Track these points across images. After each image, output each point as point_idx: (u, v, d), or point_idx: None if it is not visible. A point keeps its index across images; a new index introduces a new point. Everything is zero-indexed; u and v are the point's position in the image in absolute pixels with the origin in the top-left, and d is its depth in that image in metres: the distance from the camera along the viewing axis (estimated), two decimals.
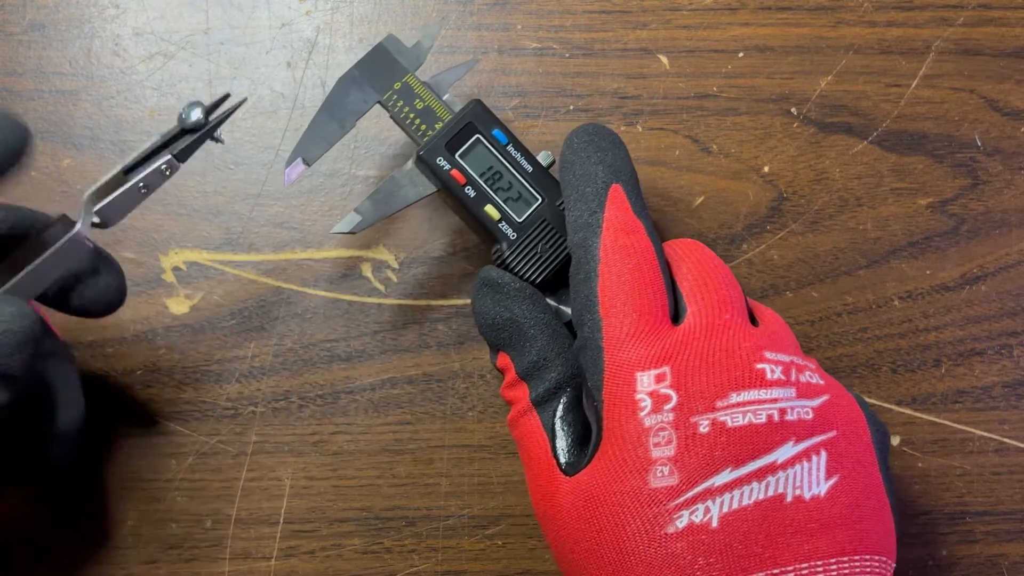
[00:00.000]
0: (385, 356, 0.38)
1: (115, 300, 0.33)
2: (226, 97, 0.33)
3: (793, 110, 0.40)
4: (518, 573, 0.37)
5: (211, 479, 0.37)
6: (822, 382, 0.28)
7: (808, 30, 0.40)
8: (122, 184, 0.31)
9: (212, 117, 0.32)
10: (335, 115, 0.34)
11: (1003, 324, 0.39)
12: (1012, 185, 0.40)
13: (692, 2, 0.41)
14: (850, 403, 0.29)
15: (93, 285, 0.32)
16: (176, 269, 0.38)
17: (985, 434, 0.38)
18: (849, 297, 0.39)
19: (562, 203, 0.33)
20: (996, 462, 0.38)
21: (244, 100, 0.34)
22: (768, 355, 0.28)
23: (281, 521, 0.37)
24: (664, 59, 0.40)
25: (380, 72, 0.35)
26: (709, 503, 0.26)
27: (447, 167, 0.34)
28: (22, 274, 0.29)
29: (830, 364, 0.38)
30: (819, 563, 0.26)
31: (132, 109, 0.39)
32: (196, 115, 0.32)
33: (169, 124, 0.38)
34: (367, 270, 0.39)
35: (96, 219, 0.31)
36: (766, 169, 0.40)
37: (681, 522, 0.26)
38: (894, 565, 0.28)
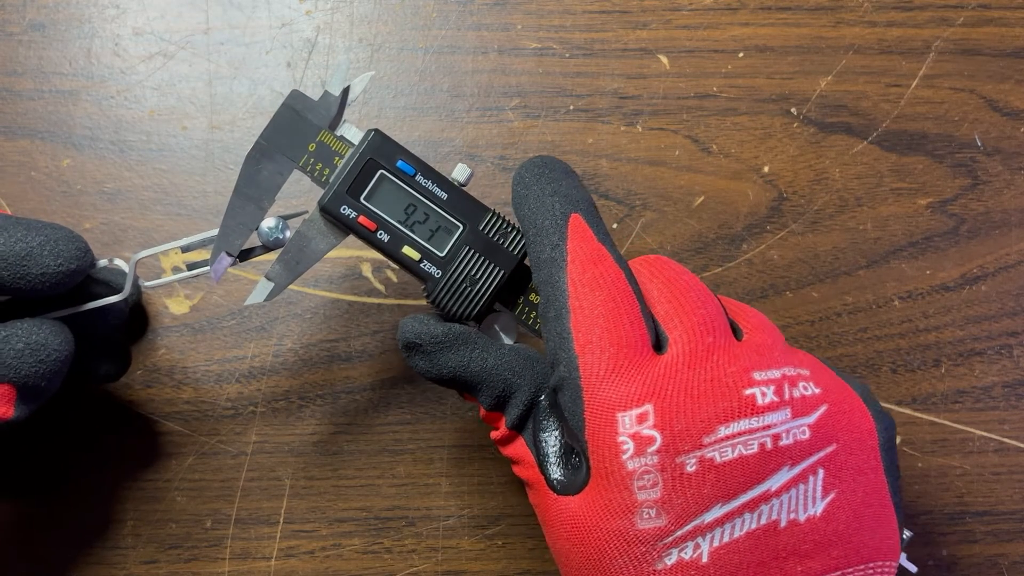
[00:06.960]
0: (385, 356, 0.38)
1: (108, 379, 0.34)
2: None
3: (793, 110, 0.40)
4: (518, 573, 0.37)
5: (211, 479, 0.37)
6: (819, 391, 0.28)
7: (808, 30, 0.40)
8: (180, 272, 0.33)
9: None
10: (251, 196, 0.31)
11: (1003, 324, 0.39)
12: (1012, 185, 0.40)
13: (692, 2, 0.41)
14: (852, 406, 0.28)
15: (101, 366, 0.34)
16: (176, 269, 0.38)
17: (985, 434, 0.38)
18: (849, 297, 0.39)
19: (487, 224, 0.31)
20: (996, 462, 0.38)
21: (303, 213, 0.34)
22: (758, 376, 0.27)
23: (281, 521, 0.37)
24: (664, 59, 0.40)
25: (291, 136, 0.31)
26: (699, 539, 0.26)
27: (353, 215, 0.31)
28: (64, 312, 0.31)
29: (830, 364, 0.38)
30: None
31: (132, 109, 0.39)
32: (287, 234, 0.32)
33: (169, 124, 0.39)
34: (367, 270, 0.38)
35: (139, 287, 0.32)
36: (766, 169, 0.39)
37: (670, 560, 0.26)
38: (896, 563, 0.27)
